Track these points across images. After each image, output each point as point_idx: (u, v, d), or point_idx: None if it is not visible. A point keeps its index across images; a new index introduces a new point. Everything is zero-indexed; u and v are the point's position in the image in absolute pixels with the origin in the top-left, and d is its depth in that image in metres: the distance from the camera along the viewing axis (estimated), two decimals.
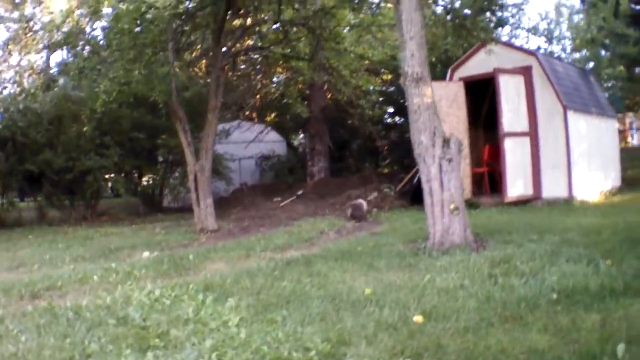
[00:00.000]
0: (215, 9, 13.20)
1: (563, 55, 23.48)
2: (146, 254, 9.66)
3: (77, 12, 12.75)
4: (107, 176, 19.25)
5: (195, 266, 8.17)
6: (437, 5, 11.95)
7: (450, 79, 15.18)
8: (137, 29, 11.49)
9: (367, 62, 15.58)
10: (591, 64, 21.95)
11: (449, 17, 11.23)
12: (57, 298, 6.40)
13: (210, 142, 13.27)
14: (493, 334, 4.23)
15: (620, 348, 3.71)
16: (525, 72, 13.99)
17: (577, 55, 23.74)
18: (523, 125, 13.88)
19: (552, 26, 23.89)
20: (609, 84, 22.92)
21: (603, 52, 22.68)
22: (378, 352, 4.02)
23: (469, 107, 14.74)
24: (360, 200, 13.69)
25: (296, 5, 13.99)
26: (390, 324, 4.63)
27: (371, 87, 15.82)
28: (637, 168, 20.57)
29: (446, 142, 8.05)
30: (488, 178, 15.34)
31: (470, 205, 13.61)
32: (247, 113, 24.01)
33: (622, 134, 31.11)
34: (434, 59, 17.44)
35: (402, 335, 4.32)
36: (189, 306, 5.46)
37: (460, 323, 4.53)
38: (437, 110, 13.46)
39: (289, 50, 15.78)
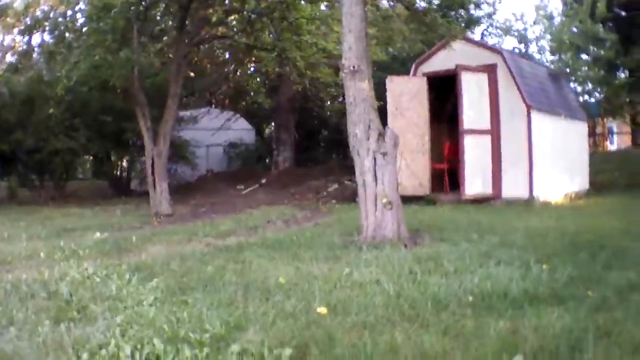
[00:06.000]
0: None
1: (539, 57, 23.52)
2: (97, 234, 9.90)
3: None
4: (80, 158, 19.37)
5: (136, 248, 8.44)
6: (396, 0, 11.93)
7: (414, 74, 15.11)
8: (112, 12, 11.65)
9: (329, 56, 15.56)
10: (568, 67, 21.98)
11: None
12: (4, 272, 6.65)
13: (168, 128, 13.38)
14: (389, 332, 4.13)
15: None
16: (490, 70, 13.96)
17: (553, 57, 23.78)
18: (485, 123, 13.86)
19: (527, 26, 23.93)
20: (588, 87, 23.04)
21: (583, 56, 22.74)
22: (268, 339, 4.05)
23: (433, 103, 14.74)
24: None
25: None
26: (290, 313, 4.67)
27: (330, 80, 15.74)
28: (610, 172, 20.26)
29: (381, 135, 8.03)
30: (450, 175, 15.20)
31: (428, 201, 13.72)
32: (219, 100, 24.01)
33: (600, 138, 31.24)
34: (405, 54, 17.50)
35: (299, 325, 4.34)
36: (114, 284, 5.66)
37: (360, 318, 4.48)
38: (397, 105, 13.83)
39: (252, 40, 15.73)
